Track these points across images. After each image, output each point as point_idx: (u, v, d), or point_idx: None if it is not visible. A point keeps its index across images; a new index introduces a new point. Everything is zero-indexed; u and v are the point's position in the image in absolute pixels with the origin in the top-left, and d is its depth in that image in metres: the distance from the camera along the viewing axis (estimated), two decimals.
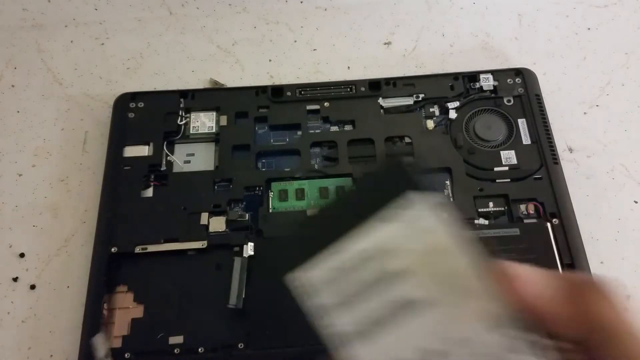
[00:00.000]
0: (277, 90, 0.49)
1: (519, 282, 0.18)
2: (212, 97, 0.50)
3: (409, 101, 0.49)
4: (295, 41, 0.56)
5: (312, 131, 0.48)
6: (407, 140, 0.47)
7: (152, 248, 0.43)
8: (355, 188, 0.21)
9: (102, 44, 0.56)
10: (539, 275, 0.18)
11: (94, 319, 0.40)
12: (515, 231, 0.42)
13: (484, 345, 0.19)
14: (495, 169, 0.45)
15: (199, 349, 0.39)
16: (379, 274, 0.20)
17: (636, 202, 0.46)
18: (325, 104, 0.48)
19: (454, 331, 0.19)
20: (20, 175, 0.49)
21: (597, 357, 0.18)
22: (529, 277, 0.18)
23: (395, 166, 0.21)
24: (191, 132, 0.48)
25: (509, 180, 0.45)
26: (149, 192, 0.45)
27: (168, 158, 0.47)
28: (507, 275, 0.18)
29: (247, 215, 0.44)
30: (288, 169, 0.46)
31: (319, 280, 0.20)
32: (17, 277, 0.45)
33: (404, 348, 0.19)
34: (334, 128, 0.48)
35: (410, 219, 0.20)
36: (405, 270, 0.20)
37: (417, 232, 0.20)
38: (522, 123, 0.47)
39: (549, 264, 0.40)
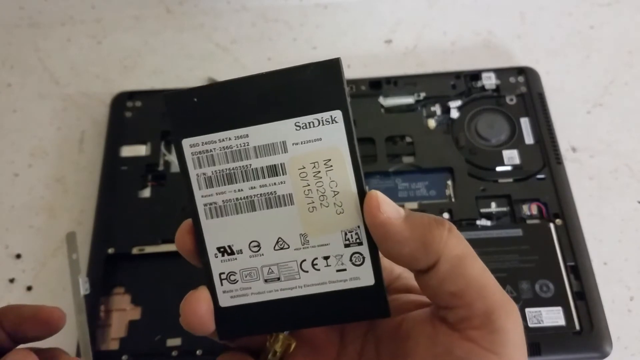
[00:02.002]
0: None
1: (382, 202, 0.21)
2: None
3: (410, 100, 0.48)
4: (295, 39, 0.55)
5: None
6: (408, 139, 0.46)
7: (149, 249, 0.42)
8: (288, 74, 0.22)
9: (99, 42, 0.56)
10: (398, 207, 0.21)
11: (91, 321, 0.40)
12: (518, 232, 0.41)
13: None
14: (498, 168, 0.45)
15: (197, 351, 0.39)
16: (261, 168, 0.22)
17: None
18: None
19: (311, 233, 0.22)
20: (16, 175, 0.49)
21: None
22: (391, 203, 0.21)
23: (332, 67, 0.22)
24: None
25: (511, 180, 0.44)
26: (147, 192, 0.45)
27: (166, 158, 0.47)
28: (373, 196, 0.21)
29: None
30: None
31: (212, 153, 0.22)
32: (13, 279, 0.44)
33: (262, 233, 0.22)
34: None
35: (318, 132, 0.22)
36: (281, 166, 0.22)
37: (315, 139, 0.22)
38: (524, 122, 0.47)
39: (552, 265, 0.40)
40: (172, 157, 0.47)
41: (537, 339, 0.37)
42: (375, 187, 0.45)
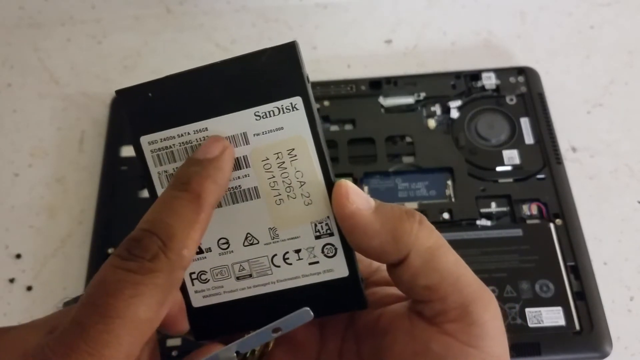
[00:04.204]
0: None
1: (352, 192, 0.20)
2: None
3: (410, 100, 0.48)
4: (295, 39, 0.55)
5: None
6: (408, 139, 0.46)
7: None
8: (243, 62, 0.21)
9: (99, 42, 0.56)
10: (368, 197, 0.21)
11: None
12: (518, 232, 0.41)
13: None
14: (498, 168, 0.45)
15: None
16: None
17: None
18: (326, 102, 0.48)
19: (281, 226, 0.22)
20: (16, 175, 0.49)
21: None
22: (361, 192, 0.21)
23: (288, 51, 0.21)
24: None
25: (511, 180, 0.44)
26: (147, 192, 0.45)
27: None
28: (342, 185, 0.21)
29: None
30: None
31: (172, 149, 0.22)
32: (13, 279, 0.44)
33: (230, 229, 0.22)
34: (334, 127, 0.48)
35: (279, 120, 0.21)
36: (244, 159, 0.21)
37: (276, 129, 0.21)
38: (524, 122, 0.47)
39: (552, 265, 0.40)
40: None
41: (537, 339, 0.37)
42: (375, 187, 0.45)
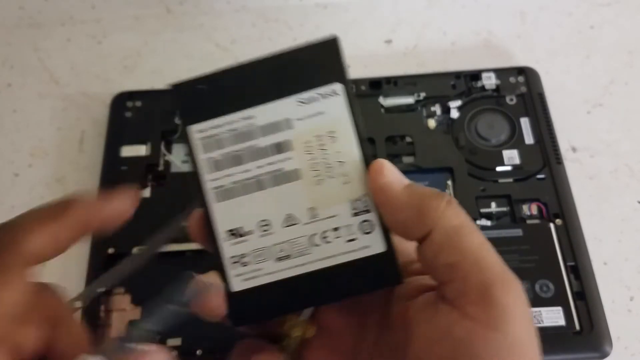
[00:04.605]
0: None
1: (386, 168, 0.22)
2: None
3: (410, 100, 0.48)
4: (295, 39, 0.55)
5: None
6: (408, 139, 0.46)
7: None
8: (289, 54, 0.24)
9: (99, 42, 0.56)
10: (403, 175, 0.22)
11: (91, 321, 0.40)
12: (518, 232, 0.41)
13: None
14: (498, 168, 0.45)
15: (197, 351, 0.39)
16: (267, 146, 0.23)
17: None
18: None
19: (320, 206, 0.23)
20: (16, 175, 0.49)
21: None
22: (396, 170, 0.22)
23: (329, 44, 0.23)
24: None
25: (511, 180, 0.44)
26: (147, 192, 0.45)
27: (166, 157, 0.47)
28: (378, 162, 0.22)
29: None
30: None
31: (219, 137, 0.23)
32: None
33: (270, 211, 0.23)
34: None
35: (320, 105, 0.23)
36: (287, 142, 0.23)
37: (318, 113, 0.23)
38: (524, 122, 0.47)
39: (552, 265, 0.40)
40: (172, 157, 0.47)
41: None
42: None
